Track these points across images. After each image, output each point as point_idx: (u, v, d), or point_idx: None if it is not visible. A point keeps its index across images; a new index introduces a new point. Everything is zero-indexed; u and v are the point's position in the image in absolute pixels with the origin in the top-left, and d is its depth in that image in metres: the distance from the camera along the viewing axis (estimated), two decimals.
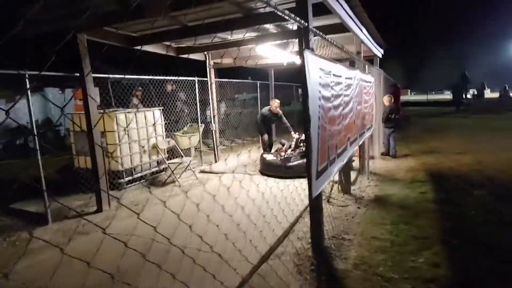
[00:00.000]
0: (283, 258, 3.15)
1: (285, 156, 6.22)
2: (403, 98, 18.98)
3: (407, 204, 4.34)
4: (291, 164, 5.87)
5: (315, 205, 2.52)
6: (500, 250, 3.04)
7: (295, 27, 4.79)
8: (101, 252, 3.33)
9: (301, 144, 6.61)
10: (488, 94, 23.29)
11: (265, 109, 7.55)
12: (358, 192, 4.92)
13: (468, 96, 20.82)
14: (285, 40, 5.65)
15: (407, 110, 19.20)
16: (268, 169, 6.09)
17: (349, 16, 4.25)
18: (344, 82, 3.39)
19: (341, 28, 4.47)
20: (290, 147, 6.76)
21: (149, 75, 6.87)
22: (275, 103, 7.40)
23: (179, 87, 7.39)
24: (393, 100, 7.45)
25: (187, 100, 8.07)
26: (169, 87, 7.41)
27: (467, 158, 6.73)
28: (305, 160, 5.34)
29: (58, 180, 5.99)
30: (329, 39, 2.88)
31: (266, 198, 3.25)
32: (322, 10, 3.65)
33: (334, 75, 2.98)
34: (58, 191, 5.40)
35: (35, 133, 4.07)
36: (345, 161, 3.46)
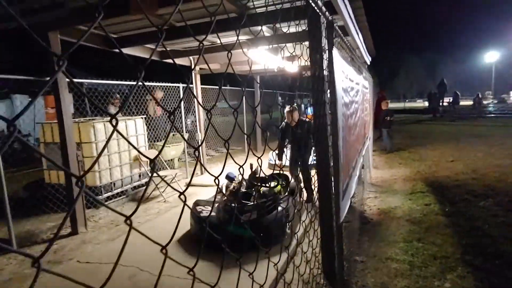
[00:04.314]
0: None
1: (233, 204, 3.47)
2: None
3: (414, 218, 4.07)
4: (244, 219, 3.27)
5: (338, 230, 2.16)
6: None
7: (292, 30, 4.47)
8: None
9: (256, 183, 4.12)
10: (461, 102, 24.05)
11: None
12: (359, 205, 4.62)
13: (444, 103, 21.36)
14: (278, 45, 5.33)
15: None
16: (203, 233, 3.37)
17: (351, 18, 3.99)
18: (355, 88, 3.08)
19: (342, 31, 4.20)
20: (240, 184, 4.02)
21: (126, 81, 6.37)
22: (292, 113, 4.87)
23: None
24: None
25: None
26: (159, 94, 6.84)
27: (460, 166, 6.61)
28: (272, 214, 3.31)
29: (26, 198, 5.33)
30: (346, 41, 2.56)
31: None
32: None
33: (349, 79, 2.67)
34: (26, 211, 4.76)
35: None
36: (357, 175, 3.14)
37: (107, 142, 0.64)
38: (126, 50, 5.12)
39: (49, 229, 4.30)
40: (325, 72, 2.15)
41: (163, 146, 0.81)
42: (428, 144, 9.79)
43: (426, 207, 4.41)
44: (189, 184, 1.01)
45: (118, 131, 0.56)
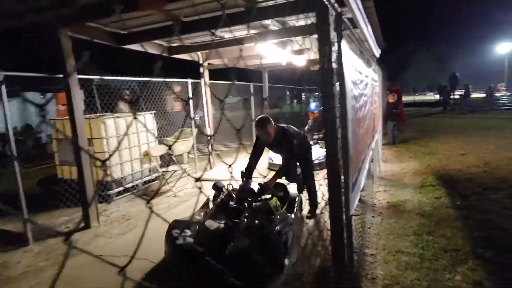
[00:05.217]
0: (304, 280, 2.79)
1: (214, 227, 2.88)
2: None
3: (424, 211, 4.05)
4: (230, 250, 2.55)
5: (348, 223, 2.17)
6: None
7: (300, 23, 4.46)
8: (91, 279, 2.90)
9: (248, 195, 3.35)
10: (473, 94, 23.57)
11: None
12: (369, 199, 4.60)
13: (456, 96, 20.96)
14: (286, 39, 5.32)
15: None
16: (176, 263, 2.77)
17: (360, 10, 3.95)
18: (364, 80, 3.06)
19: (351, 23, 4.16)
20: (230, 195, 3.35)
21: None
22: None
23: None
24: (396, 98, 8.78)
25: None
26: (177, 89, 6.89)
27: (471, 159, 6.53)
28: (267, 242, 2.60)
29: (40, 193, 5.45)
30: (355, 34, 2.54)
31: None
32: None
33: (359, 71, 2.65)
34: (40, 206, 4.86)
35: (13, 140, 3.58)
36: (367, 168, 3.13)
37: (125, 135, 0.66)
38: (134, 47, 5.15)
39: (62, 223, 4.39)
40: (334, 65, 2.14)
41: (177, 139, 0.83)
42: (438, 137, 9.67)
43: (437, 201, 4.37)
44: (205, 170, 1.03)
45: (141, 123, 0.58)
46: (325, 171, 2.02)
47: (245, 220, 2.88)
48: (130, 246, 3.49)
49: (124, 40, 4.79)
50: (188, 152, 7.71)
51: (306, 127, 7.44)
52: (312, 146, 6.88)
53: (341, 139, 1.89)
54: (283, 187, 3.75)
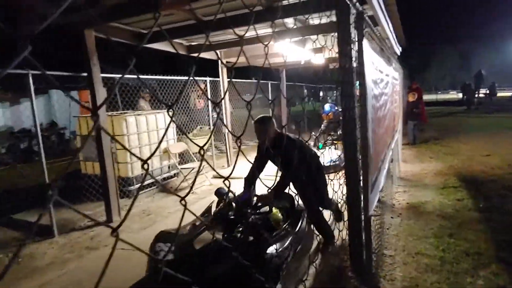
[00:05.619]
0: (321, 278, 2.79)
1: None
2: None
3: (446, 213, 3.96)
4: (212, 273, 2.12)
5: (367, 223, 2.16)
6: None
7: (322, 21, 4.42)
8: (114, 272, 2.99)
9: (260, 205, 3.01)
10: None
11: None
12: (388, 199, 4.54)
13: (481, 95, 20.25)
14: (305, 37, 5.29)
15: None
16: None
17: (381, 8, 3.89)
18: (385, 79, 3.02)
19: (371, 21, 4.10)
20: (230, 205, 2.83)
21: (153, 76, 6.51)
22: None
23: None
24: (416, 96, 8.65)
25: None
26: (202, 85, 7.03)
27: (496, 160, 6.32)
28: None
29: (63, 187, 5.64)
30: (376, 31, 2.52)
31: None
32: None
33: (379, 70, 2.62)
34: (64, 199, 5.02)
35: (40, 136, 3.74)
36: (386, 168, 3.09)
37: (166, 131, 0.70)
38: (154, 45, 5.24)
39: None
40: (354, 64, 2.13)
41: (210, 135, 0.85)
42: (461, 137, 9.39)
43: (459, 202, 4.27)
44: (234, 166, 1.06)
45: (173, 121, 0.60)
46: (341, 172, 2.01)
47: (239, 235, 2.50)
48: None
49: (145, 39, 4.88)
50: (206, 150, 7.80)
51: (322, 126, 7.40)
52: (327, 147, 6.81)
53: (361, 138, 1.88)
54: (290, 198, 3.20)
